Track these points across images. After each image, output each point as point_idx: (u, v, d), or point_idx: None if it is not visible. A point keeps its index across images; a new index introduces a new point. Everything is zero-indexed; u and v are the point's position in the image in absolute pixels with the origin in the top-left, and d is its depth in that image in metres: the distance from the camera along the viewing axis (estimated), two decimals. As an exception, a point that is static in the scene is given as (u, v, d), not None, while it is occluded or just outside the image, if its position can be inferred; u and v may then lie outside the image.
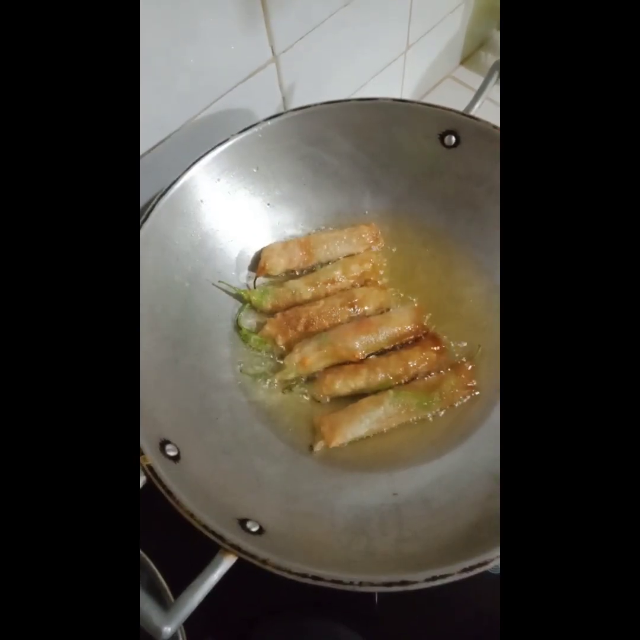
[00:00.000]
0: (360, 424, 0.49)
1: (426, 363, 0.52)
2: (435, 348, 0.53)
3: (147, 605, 0.34)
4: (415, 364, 0.52)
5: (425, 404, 0.50)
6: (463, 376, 0.52)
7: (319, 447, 0.49)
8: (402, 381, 0.52)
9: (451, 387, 0.51)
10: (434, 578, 0.35)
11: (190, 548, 0.35)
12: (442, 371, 0.53)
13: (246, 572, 0.35)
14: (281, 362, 0.54)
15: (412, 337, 0.54)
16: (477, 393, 0.51)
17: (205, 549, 0.36)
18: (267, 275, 0.59)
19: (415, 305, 0.56)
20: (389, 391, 0.51)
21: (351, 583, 0.35)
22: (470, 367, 0.52)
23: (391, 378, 0.52)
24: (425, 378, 0.52)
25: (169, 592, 0.42)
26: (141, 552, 0.44)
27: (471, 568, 0.35)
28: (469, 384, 0.51)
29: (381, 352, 0.54)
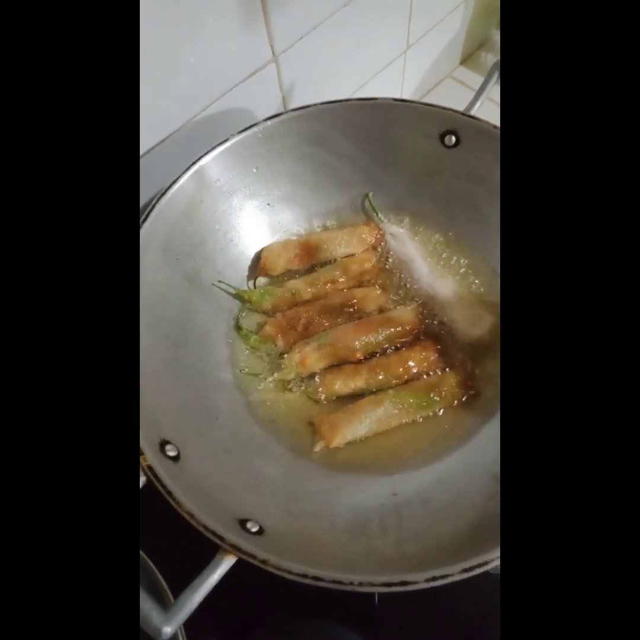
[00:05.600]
0: (360, 424, 0.49)
1: (426, 363, 0.52)
2: (435, 348, 0.53)
3: (147, 605, 0.34)
4: (415, 364, 0.52)
5: (425, 404, 0.50)
6: (463, 376, 0.52)
7: (319, 447, 0.49)
8: (402, 381, 0.52)
9: (451, 387, 0.51)
10: (434, 578, 0.35)
11: (190, 548, 0.34)
12: (441, 371, 0.53)
13: (246, 572, 0.35)
14: (281, 362, 0.54)
15: (412, 337, 0.55)
16: (477, 393, 0.51)
17: (205, 549, 0.36)
18: (267, 275, 0.59)
19: (415, 305, 0.56)
20: (388, 391, 0.51)
21: (351, 583, 0.35)
22: (469, 367, 0.52)
23: (391, 378, 0.52)
24: (425, 378, 0.52)
25: (169, 592, 0.42)
26: (141, 552, 0.44)
27: (471, 568, 0.35)
28: (468, 384, 0.51)
29: (381, 352, 0.54)
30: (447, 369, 0.53)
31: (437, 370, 0.53)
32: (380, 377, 0.52)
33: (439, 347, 0.53)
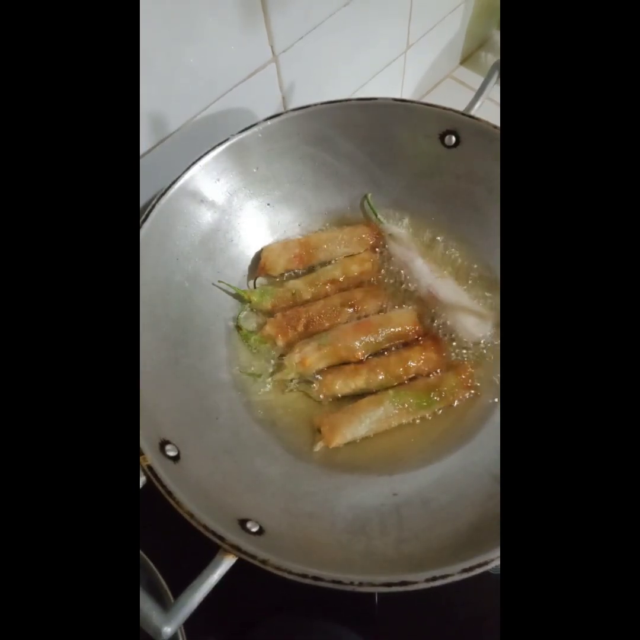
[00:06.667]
0: (360, 424, 0.49)
1: (426, 363, 0.52)
2: (435, 348, 0.53)
3: (147, 606, 0.34)
4: (415, 364, 0.52)
5: (425, 404, 0.50)
6: (463, 376, 0.51)
7: (319, 447, 0.49)
8: (402, 381, 0.52)
9: (451, 387, 0.51)
10: (434, 578, 0.35)
11: (190, 548, 0.35)
12: (442, 371, 0.53)
13: (246, 572, 0.35)
14: (281, 362, 0.54)
15: (412, 337, 0.54)
16: (477, 393, 0.51)
17: (205, 549, 0.36)
18: (267, 275, 0.59)
19: (415, 305, 0.56)
20: (388, 391, 0.51)
21: (351, 583, 0.35)
22: (470, 367, 0.52)
23: (391, 378, 0.52)
24: (425, 378, 0.52)
25: (169, 592, 0.42)
26: (141, 552, 0.44)
27: (471, 568, 0.35)
28: (468, 384, 0.51)
29: (381, 353, 0.54)
30: (447, 369, 0.53)
31: (437, 370, 0.53)
32: (381, 377, 0.52)
33: (439, 347, 0.53)
